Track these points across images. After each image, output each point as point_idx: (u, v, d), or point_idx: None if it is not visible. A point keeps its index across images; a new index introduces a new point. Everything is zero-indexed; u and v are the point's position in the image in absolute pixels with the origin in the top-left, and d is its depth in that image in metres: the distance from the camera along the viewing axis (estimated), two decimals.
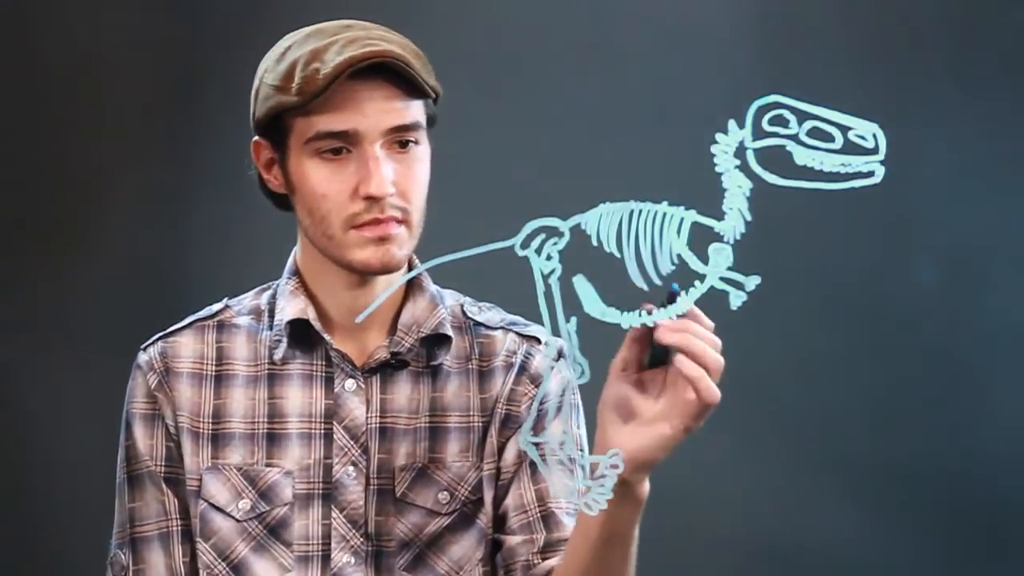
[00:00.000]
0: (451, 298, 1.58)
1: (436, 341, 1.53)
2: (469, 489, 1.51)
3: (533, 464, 1.49)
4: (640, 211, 1.17)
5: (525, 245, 1.19)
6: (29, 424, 2.63)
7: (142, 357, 1.54)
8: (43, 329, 2.65)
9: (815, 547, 2.70)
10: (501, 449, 1.53)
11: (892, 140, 1.09)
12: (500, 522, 1.51)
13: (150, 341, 1.56)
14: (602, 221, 1.18)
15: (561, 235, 1.19)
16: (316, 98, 1.41)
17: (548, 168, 2.65)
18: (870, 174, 1.10)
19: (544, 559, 1.48)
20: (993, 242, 2.76)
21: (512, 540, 1.49)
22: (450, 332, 1.53)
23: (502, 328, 1.57)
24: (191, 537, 1.51)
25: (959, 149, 2.75)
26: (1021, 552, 2.75)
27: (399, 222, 1.44)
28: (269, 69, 1.47)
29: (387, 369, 1.52)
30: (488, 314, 1.58)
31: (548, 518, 1.49)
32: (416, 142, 1.46)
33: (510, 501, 1.50)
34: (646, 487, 1.30)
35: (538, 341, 1.56)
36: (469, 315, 1.57)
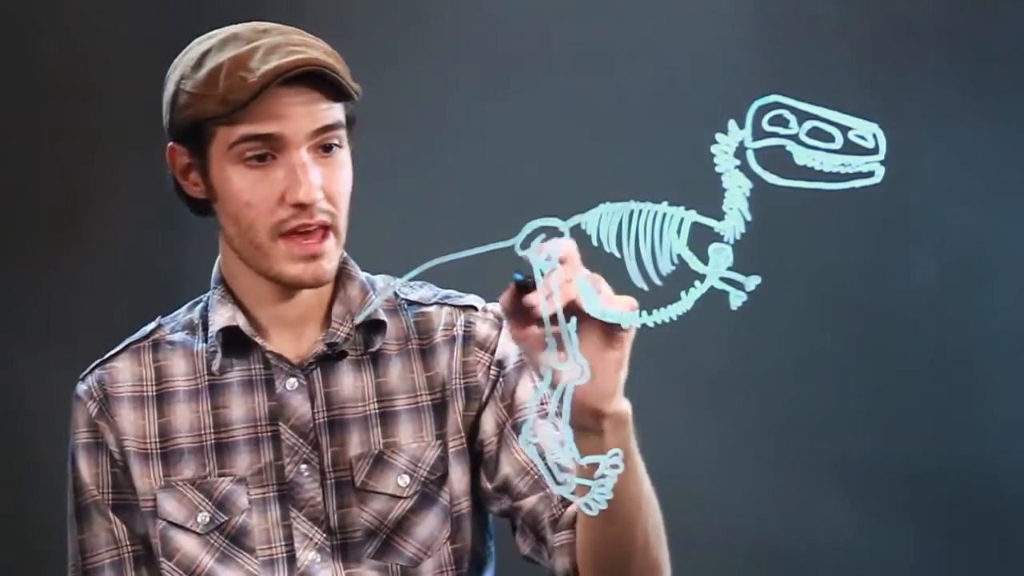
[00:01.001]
0: (382, 282, 1.57)
1: (371, 327, 1.53)
2: (427, 469, 1.50)
3: (515, 427, 1.49)
4: (640, 211, 1.17)
5: (525, 245, 1.18)
6: (29, 424, 2.63)
7: (80, 387, 1.54)
8: (43, 329, 2.65)
9: (815, 547, 2.69)
10: (474, 425, 1.52)
11: (892, 140, 1.09)
12: (503, 492, 1.50)
13: (87, 370, 1.55)
14: (602, 221, 1.18)
15: (561, 235, 1.18)
16: (243, 107, 1.40)
17: (548, 168, 2.65)
18: (870, 174, 1.10)
19: (566, 507, 1.46)
20: (993, 242, 2.76)
21: (528, 502, 1.48)
22: (384, 317, 1.53)
23: (436, 303, 1.56)
24: (145, 562, 1.50)
25: (959, 149, 2.75)
26: (1021, 552, 2.75)
27: (326, 229, 1.44)
28: (186, 75, 1.45)
29: (326, 362, 1.51)
30: (421, 291, 1.58)
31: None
32: (339, 145, 1.45)
33: (508, 469, 1.49)
34: (617, 407, 1.24)
35: (475, 309, 1.56)
36: (401, 295, 1.57)
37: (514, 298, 1.21)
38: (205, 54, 1.45)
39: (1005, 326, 2.76)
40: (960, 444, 2.74)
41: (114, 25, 2.69)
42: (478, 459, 1.53)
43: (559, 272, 1.16)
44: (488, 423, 1.51)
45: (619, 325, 1.18)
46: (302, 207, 1.42)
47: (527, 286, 1.19)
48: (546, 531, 1.47)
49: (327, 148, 1.44)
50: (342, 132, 1.45)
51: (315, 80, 1.42)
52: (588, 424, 1.22)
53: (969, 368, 2.76)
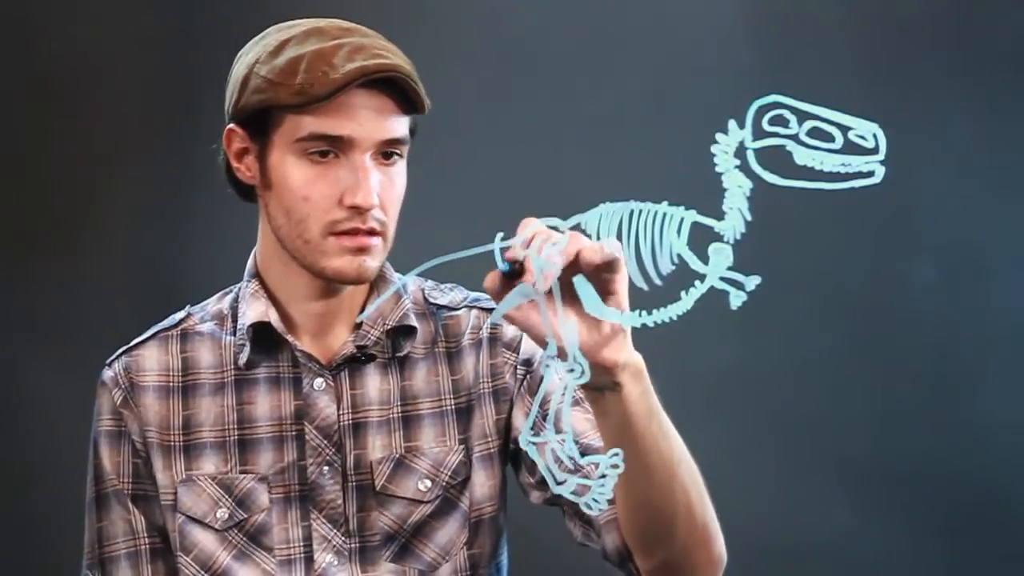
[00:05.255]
0: (413, 285, 1.57)
1: (401, 332, 1.53)
2: (450, 473, 1.50)
3: (545, 417, 1.45)
4: (640, 211, 1.17)
5: (525, 245, 1.18)
6: (29, 424, 2.63)
7: (106, 373, 1.53)
8: (43, 329, 2.65)
9: (815, 547, 2.70)
10: (507, 425, 1.52)
11: (892, 140, 1.09)
12: (546, 482, 1.48)
13: (114, 356, 1.54)
14: (602, 221, 1.18)
15: (561, 235, 1.18)
16: (321, 101, 1.39)
17: (548, 168, 2.65)
18: (870, 174, 1.10)
19: None
20: (993, 242, 2.76)
21: None
22: (415, 323, 1.53)
23: (465, 307, 1.56)
24: (161, 554, 1.50)
25: (959, 149, 2.75)
26: (1021, 552, 2.75)
27: (376, 234, 1.44)
28: (263, 60, 1.44)
29: (354, 364, 1.51)
30: (451, 295, 1.57)
31: (585, 454, 1.42)
32: (400, 156, 1.46)
33: None
34: (630, 356, 1.20)
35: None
36: (431, 300, 1.56)
37: (503, 282, 1.16)
38: (285, 42, 1.44)
39: (1005, 326, 2.76)
40: (960, 444, 2.74)
41: (114, 25, 2.69)
42: (516, 456, 1.52)
43: (556, 268, 1.16)
44: (519, 420, 1.51)
45: (609, 268, 1.15)
46: (358, 210, 1.42)
47: (516, 271, 1.17)
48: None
49: (388, 156, 1.44)
50: (405, 147, 1.46)
51: (392, 88, 1.42)
52: (604, 382, 1.19)
53: (969, 368, 2.76)
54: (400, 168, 1.46)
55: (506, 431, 1.52)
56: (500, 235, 1.17)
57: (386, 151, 1.44)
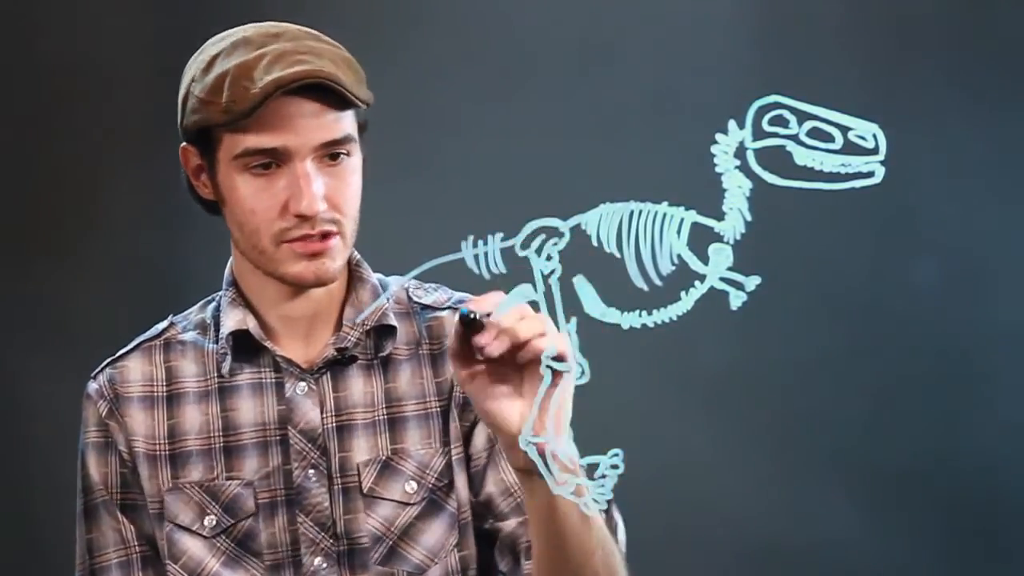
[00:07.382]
0: (396, 284, 1.56)
1: (382, 332, 1.52)
2: (436, 475, 1.50)
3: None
4: (640, 211, 1.17)
5: (525, 245, 1.19)
6: (29, 424, 2.63)
7: (91, 386, 1.53)
8: (43, 329, 2.65)
9: (814, 547, 2.70)
10: (468, 435, 1.51)
11: (892, 140, 1.09)
12: (486, 509, 1.49)
13: (98, 368, 1.54)
14: (602, 221, 1.18)
15: (561, 235, 1.19)
16: (245, 118, 1.39)
17: (548, 168, 2.65)
18: (870, 174, 1.10)
19: None
20: (993, 242, 2.76)
21: (508, 525, 1.47)
22: (394, 322, 1.51)
23: (449, 308, 1.55)
24: (152, 563, 1.50)
25: (959, 149, 2.75)
26: (1021, 552, 2.75)
27: (330, 236, 1.43)
28: (196, 79, 1.44)
29: (336, 366, 1.50)
30: (435, 295, 1.56)
31: None
32: (347, 154, 1.44)
33: (493, 488, 1.48)
34: (567, 449, 1.23)
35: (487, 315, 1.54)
36: (415, 299, 1.55)
37: (462, 337, 1.21)
38: (215, 58, 1.44)
39: (1005, 326, 2.76)
40: (960, 444, 2.74)
41: (114, 25, 2.69)
42: (468, 471, 1.52)
43: (557, 273, 1.16)
44: (479, 437, 1.50)
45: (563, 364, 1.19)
46: (304, 218, 1.41)
47: (475, 323, 1.19)
48: (522, 556, 1.46)
49: (334, 157, 1.43)
50: (351, 144, 1.44)
51: (321, 90, 1.40)
52: (535, 467, 1.21)
53: (969, 368, 2.76)
54: (350, 165, 1.44)
55: (466, 441, 1.51)
56: (495, 239, 1.18)
57: (330, 152, 1.42)
